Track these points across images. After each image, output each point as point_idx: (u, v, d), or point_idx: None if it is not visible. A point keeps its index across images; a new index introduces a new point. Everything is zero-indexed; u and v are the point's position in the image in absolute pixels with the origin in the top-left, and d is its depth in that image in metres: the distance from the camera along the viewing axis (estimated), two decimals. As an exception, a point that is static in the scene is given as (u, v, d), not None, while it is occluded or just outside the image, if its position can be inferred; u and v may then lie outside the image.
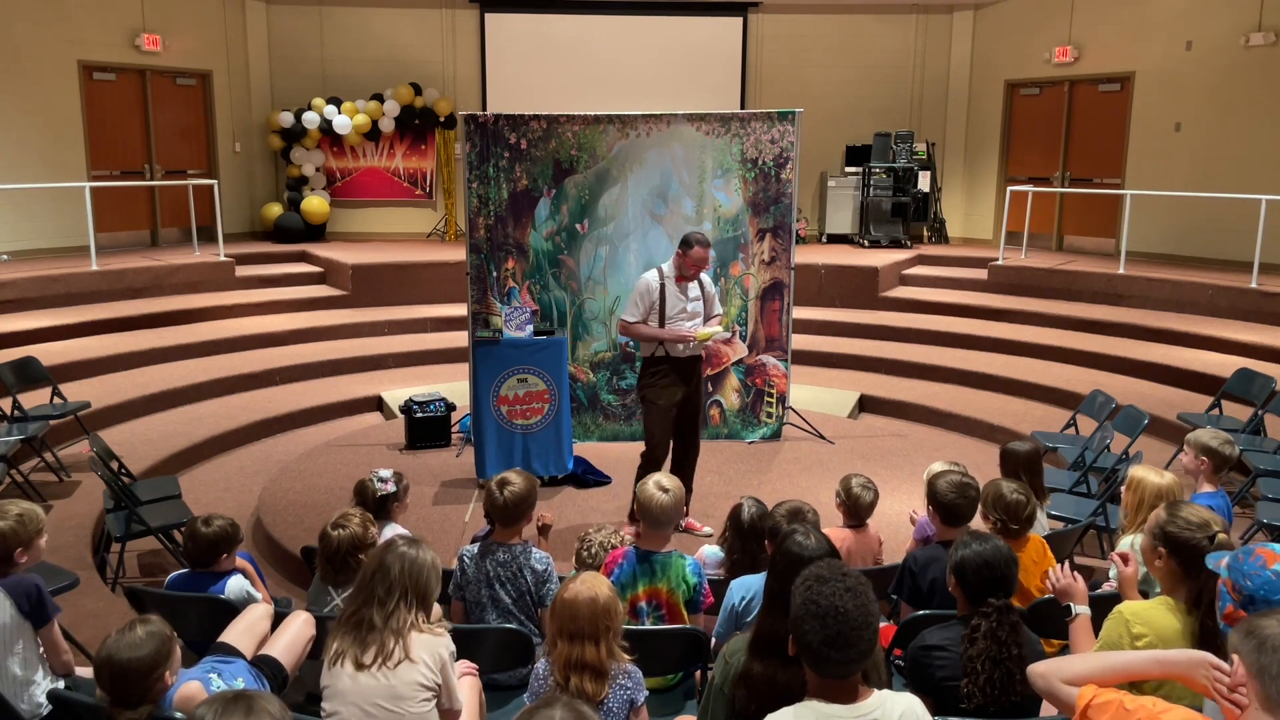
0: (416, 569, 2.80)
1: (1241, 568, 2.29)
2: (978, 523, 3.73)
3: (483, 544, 3.71)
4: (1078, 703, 2.20)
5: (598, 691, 2.69)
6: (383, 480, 4.15)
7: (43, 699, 3.15)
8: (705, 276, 5.63)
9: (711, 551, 4.25)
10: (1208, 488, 4.26)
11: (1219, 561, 2.40)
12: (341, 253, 11.35)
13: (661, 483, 3.67)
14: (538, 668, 2.86)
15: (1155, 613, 2.67)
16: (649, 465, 5.48)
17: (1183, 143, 11.29)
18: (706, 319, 5.61)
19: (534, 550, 3.69)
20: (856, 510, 4.31)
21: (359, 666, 2.69)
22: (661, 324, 5.44)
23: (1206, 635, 2.64)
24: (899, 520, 5.69)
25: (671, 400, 5.50)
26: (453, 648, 2.84)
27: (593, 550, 3.96)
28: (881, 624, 2.93)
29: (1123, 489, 3.90)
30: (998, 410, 8.01)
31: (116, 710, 2.58)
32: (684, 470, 5.65)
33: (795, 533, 2.79)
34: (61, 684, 3.26)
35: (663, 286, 5.46)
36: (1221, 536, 2.61)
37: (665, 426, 5.54)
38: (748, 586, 3.37)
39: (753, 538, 3.77)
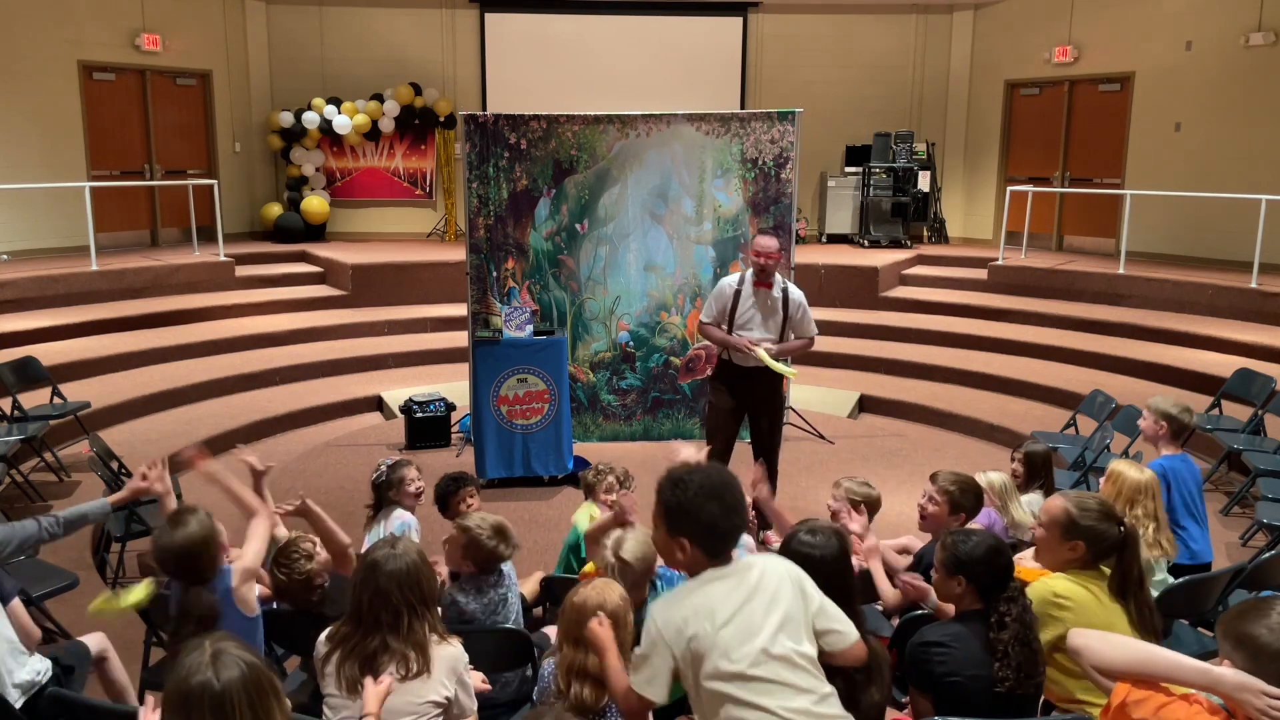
0: (412, 579, 2.64)
1: None
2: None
3: (471, 586, 3.44)
4: (1114, 696, 2.18)
5: (597, 700, 2.66)
6: (382, 468, 4.26)
7: (29, 676, 3.11)
8: (796, 292, 5.43)
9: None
10: (1168, 450, 4.39)
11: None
12: (341, 253, 11.34)
13: (620, 553, 3.10)
14: (544, 669, 2.85)
15: (1088, 601, 2.75)
16: None
17: (1182, 143, 11.29)
18: (790, 336, 5.45)
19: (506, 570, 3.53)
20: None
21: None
22: (730, 329, 5.37)
23: (1145, 624, 2.75)
24: (899, 520, 5.69)
25: (726, 405, 5.44)
26: (465, 657, 2.76)
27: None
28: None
29: (1102, 480, 3.87)
30: (998, 410, 8.01)
31: (188, 589, 2.92)
32: None
33: (799, 531, 2.76)
34: (47, 664, 3.22)
35: (738, 292, 5.35)
36: (1129, 521, 2.66)
37: (720, 429, 5.47)
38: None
39: None
